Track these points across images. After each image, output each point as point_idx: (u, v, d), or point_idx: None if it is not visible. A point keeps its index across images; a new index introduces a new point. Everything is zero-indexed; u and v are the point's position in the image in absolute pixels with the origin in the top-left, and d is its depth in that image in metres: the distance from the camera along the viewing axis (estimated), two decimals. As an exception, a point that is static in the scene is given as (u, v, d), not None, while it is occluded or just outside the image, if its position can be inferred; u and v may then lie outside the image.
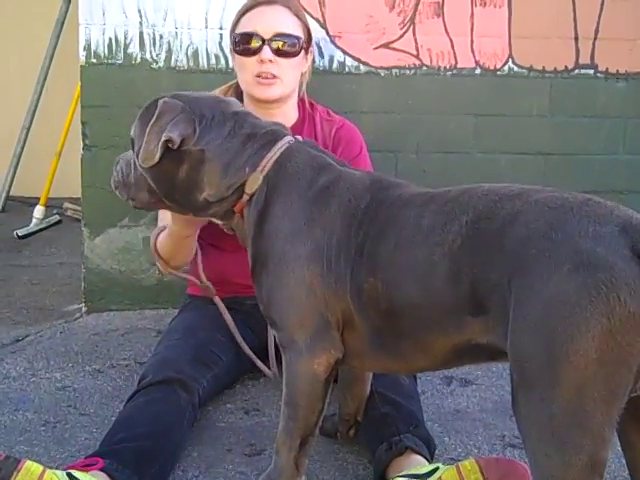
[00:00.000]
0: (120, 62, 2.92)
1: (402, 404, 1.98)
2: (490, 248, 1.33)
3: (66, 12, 4.43)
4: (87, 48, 2.91)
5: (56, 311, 3.06)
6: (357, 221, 1.57)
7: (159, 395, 1.99)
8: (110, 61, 2.92)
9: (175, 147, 1.67)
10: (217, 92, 2.36)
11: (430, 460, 1.86)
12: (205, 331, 2.24)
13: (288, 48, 2.23)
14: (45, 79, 4.51)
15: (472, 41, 3.04)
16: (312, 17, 2.95)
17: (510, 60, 3.05)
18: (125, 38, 2.91)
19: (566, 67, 3.08)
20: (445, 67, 3.04)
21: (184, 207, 1.80)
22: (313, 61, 2.43)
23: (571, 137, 3.12)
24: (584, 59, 3.08)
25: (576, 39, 3.06)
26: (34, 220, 4.38)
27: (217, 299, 2.20)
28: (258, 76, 2.23)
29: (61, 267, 3.67)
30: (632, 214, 1.26)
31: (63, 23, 4.45)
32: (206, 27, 2.94)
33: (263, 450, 2.00)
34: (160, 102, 1.72)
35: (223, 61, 2.94)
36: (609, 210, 1.26)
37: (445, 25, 3.03)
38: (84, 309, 3.01)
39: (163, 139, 1.66)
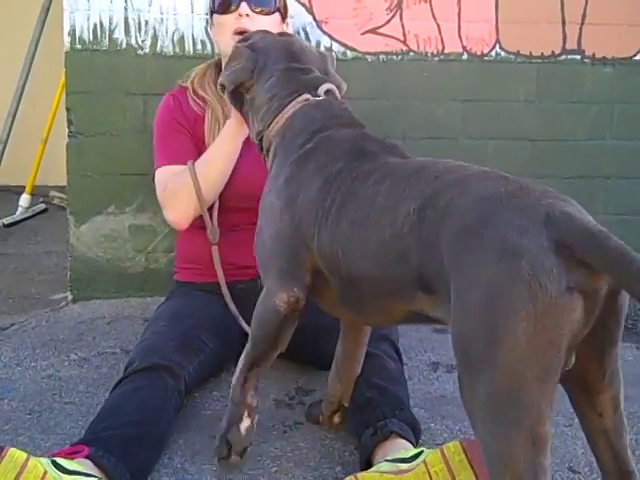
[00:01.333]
0: (105, 48, 2.90)
1: (387, 388, 1.99)
2: (432, 237, 1.41)
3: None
4: (72, 34, 2.88)
5: (42, 300, 3.05)
6: (328, 186, 1.67)
7: (145, 382, 1.98)
8: (95, 47, 2.89)
9: (230, 90, 1.94)
10: (195, 73, 2.43)
11: (416, 444, 1.87)
12: (192, 318, 2.24)
13: (265, 4, 2.30)
14: (31, 65, 4.47)
15: (459, 26, 3.02)
16: (299, 2, 2.94)
17: (497, 45, 3.04)
18: (110, 24, 2.89)
19: (553, 52, 3.07)
20: (432, 53, 3.03)
21: None
22: None
23: (558, 122, 3.11)
24: (571, 44, 3.07)
25: (563, 24, 3.05)
26: (20, 209, 4.36)
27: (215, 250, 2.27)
28: (236, 33, 2.26)
29: (47, 255, 3.65)
30: (556, 204, 1.30)
31: (49, 9, 4.41)
32: (192, 12, 2.92)
33: (249, 437, 2.00)
34: (233, 47, 1.99)
35: (209, 47, 2.92)
36: (536, 200, 1.31)
37: (432, 10, 3.01)
38: (70, 297, 3.00)
39: (220, 82, 1.97)
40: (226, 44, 2.27)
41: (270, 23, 2.30)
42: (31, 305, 2.99)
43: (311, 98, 1.86)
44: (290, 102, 1.86)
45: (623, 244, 1.21)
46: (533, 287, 1.22)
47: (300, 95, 1.87)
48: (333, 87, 1.93)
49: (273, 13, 2.33)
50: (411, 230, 1.45)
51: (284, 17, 2.40)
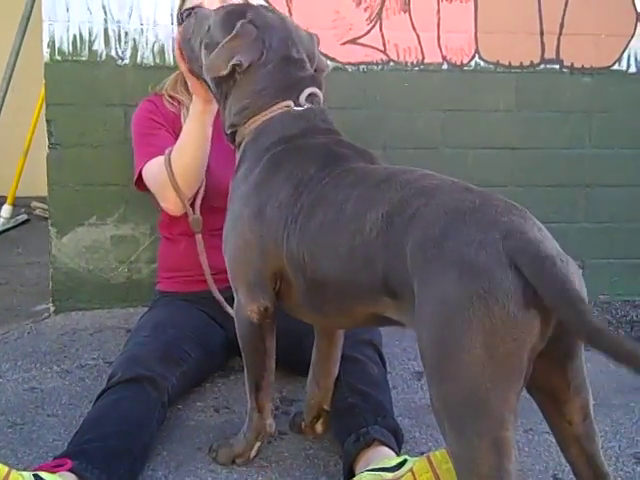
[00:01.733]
0: (85, 59, 2.89)
1: (370, 394, 2.00)
2: (397, 244, 1.44)
3: (31, 9, 4.37)
4: (51, 45, 2.88)
5: (24, 311, 3.03)
6: (298, 192, 1.68)
7: (128, 393, 1.97)
8: (75, 58, 2.89)
9: (242, 70, 1.82)
10: (167, 80, 2.48)
11: (398, 451, 1.88)
12: (174, 328, 2.24)
13: None
14: (11, 77, 4.44)
15: (439, 36, 3.04)
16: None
17: (477, 55, 3.06)
18: (90, 35, 2.89)
19: (532, 62, 3.10)
20: (412, 62, 3.05)
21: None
22: None
23: (537, 131, 3.13)
24: (549, 54, 3.10)
25: (541, 34, 3.08)
26: (1, 219, 4.34)
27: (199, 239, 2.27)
28: (182, 13, 2.24)
29: (29, 267, 3.63)
30: (517, 221, 1.34)
31: (29, 19, 4.39)
32: (172, 23, 2.92)
33: (233, 448, 2.00)
34: (238, 25, 1.84)
35: (190, 58, 2.92)
36: (498, 216, 1.35)
37: (412, 20, 3.03)
38: (52, 309, 2.98)
39: (233, 62, 1.81)
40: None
41: None
42: (13, 317, 2.97)
43: (293, 107, 1.85)
44: (273, 105, 1.84)
45: (565, 275, 1.25)
46: (490, 304, 1.26)
47: (284, 100, 1.85)
48: (316, 91, 1.91)
49: None
50: (378, 236, 1.49)
51: None
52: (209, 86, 1.96)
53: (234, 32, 1.83)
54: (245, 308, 1.80)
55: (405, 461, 1.76)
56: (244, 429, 1.93)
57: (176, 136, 2.30)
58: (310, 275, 1.64)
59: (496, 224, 1.33)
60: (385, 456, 1.81)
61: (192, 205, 2.28)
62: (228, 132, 1.92)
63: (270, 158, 1.78)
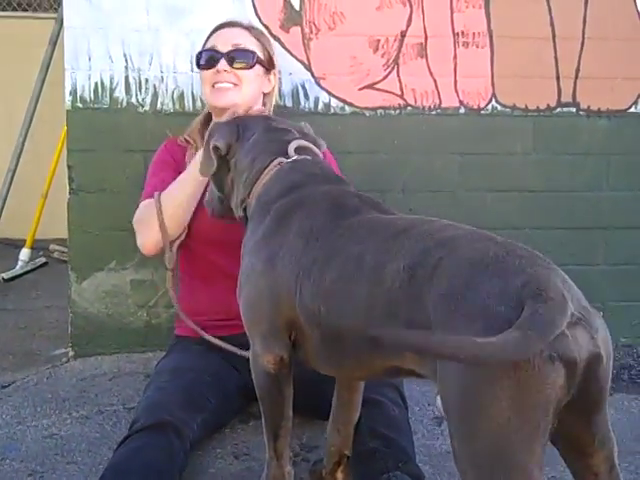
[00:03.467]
0: (106, 106, 2.93)
1: (392, 438, 1.98)
2: (422, 295, 1.43)
3: (51, 56, 4.45)
4: (73, 93, 2.92)
5: (43, 356, 3.03)
6: (310, 244, 1.69)
7: (151, 441, 1.97)
8: (96, 105, 2.93)
9: (223, 154, 2.00)
10: (194, 124, 2.52)
11: None
12: (193, 372, 2.24)
13: (243, 60, 2.38)
14: (31, 122, 4.51)
15: (455, 81, 3.07)
16: (297, 59, 2.99)
17: (493, 99, 3.08)
18: (111, 83, 2.93)
19: (548, 105, 3.11)
20: (429, 107, 3.07)
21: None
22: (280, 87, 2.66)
23: (555, 174, 3.13)
24: (566, 98, 3.11)
25: (557, 78, 3.10)
26: (20, 262, 4.37)
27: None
28: (214, 85, 2.37)
29: (48, 310, 3.64)
30: (541, 271, 1.33)
31: (48, 67, 4.47)
32: (192, 70, 2.95)
33: (254, 495, 1.99)
34: (211, 124, 2.08)
35: (209, 104, 2.95)
36: (522, 267, 1.34)
37: (429, 66, 3.06)
38: (71, 353, 2.99)
39: (211, 147, 1.99)
40: (207, 96, 2.42)
41: (251, 76, 2.39)
42: (32, 361, 2.98)
43: (285, 161, 1.93)
44: (267, 167, 1.93)
45: (556, 311, 1.24)
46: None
47: (275, 159, 1.94)
48: (305, 143, 1.99)
49: (252, 67, 2.38)
50: (400, 288, 1.47)
51: (268, 69, 2.46)
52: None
53: (208, 132, 2.04)
54: (261, 358, 1.81)
55: None
56: (263, 478, 1.91)
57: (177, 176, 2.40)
58: (326, 328, 1.63)
59: (518, 274, 1.31)
60: None
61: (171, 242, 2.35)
62: (241, 213, 2.00)
63: (277, 210, 1.82)
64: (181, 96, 2.96)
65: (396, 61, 3.05)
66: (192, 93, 2.96)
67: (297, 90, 3.00)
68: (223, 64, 2.35)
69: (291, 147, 1.96)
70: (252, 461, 2.19)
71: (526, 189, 3.13)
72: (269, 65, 2.46)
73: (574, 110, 3.12)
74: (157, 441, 1.96)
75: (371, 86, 3.05)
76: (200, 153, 2.16)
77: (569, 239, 3.11)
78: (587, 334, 1.29)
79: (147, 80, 2.95)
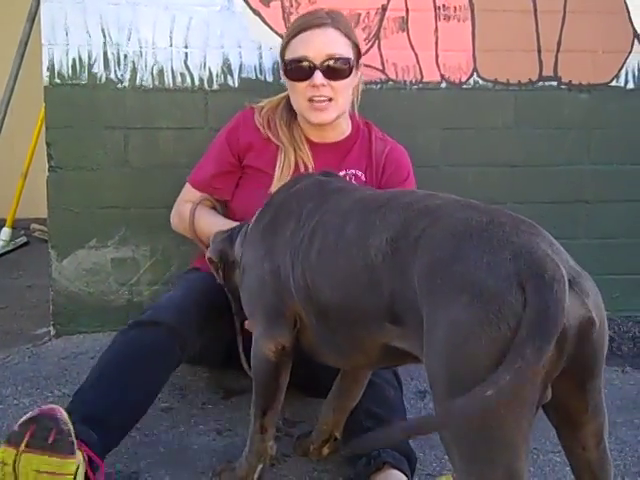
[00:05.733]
0: (84, 82, 2.89)
1: (384, 417, 1.99)
2: (405, 268, 1.41)
3: (29, 32, 4.39)
4: (51, 69, 2.88)
5: (24, 335, 3.01)
6: (299, 225, 1.73)
7: (148, 331, 2.05)
8: (74, 81, 2.89)
9: (215, 261, 2.05)
10: (267, 102, 2.45)
11: (410, 475, 1.87)
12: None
13: (339, 71, 2.27)
14: (9, 100, 4.45)
15: (437, 55, 3.05)
16: (277, 34, 2.95)
17: (475, 73, 3.07)
18: (89, 58, 2.89)
19: (530, 79, 3.10)
20: (411, 81, 3.05)
21: None
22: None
23: (536, 148, 3.13)
24: (547, 71, 3.10)
25: (539, 52, 3.09)
26: (0, 242, 4.33)
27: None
28: (311, 100, 2.28)
29: (29, 290, 3.61)
30: (526, 239, 1.30)
31: (26, 43, 4.41)
32: (171, 46, 2.92)
33: (237, 471, 1.99)
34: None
35: (189, 79, 2.93)
36: (506, 236, 1.31)
37: (410, 39, 3.04)
38: (53, 332, 2.97)
39: (208, 260, 2.08)
40: (302, 108, 2.32)
41: (347, 84, 2.31)
42: (13, 340, 2.96)
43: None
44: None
45: (559, 298, 1.20)
46: (502, 329, 1.22)
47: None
48: None
49: (349, 75, 2.30)
50: (384, 260, 1.46)
51: (357, 65, 2.37)
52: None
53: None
54: (263, 346, 1.81)
55: None
56: (246, 452, 1.91)
57: (240, 161, 2.42)
58: (316, 306, 1.64)
59: (505, 243, 1.29)
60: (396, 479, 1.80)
61: None
62: None
63: (270, 210, 1.88)
64: (161, 72, 2.93)
65: (377, 35, 3.03)
66: (172, 69, 2.92)
67: (277, 65, 2.95)
68: (319, 77, 2.25)
69: None
70: (235, 437, 2.20)
71: (508, 163, 3.12)
72: (358, 60, 2.38)
73: (555, 84, 3.11)
74: (154, 332, 2.03)
75: (352, 60, 3.03)
76: None
77: (550, 213, 3.11)
78: (578, 298, 1.26)
79: (126, 56, 2.91)
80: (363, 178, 2.41)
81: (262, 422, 1.87)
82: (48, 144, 2.93)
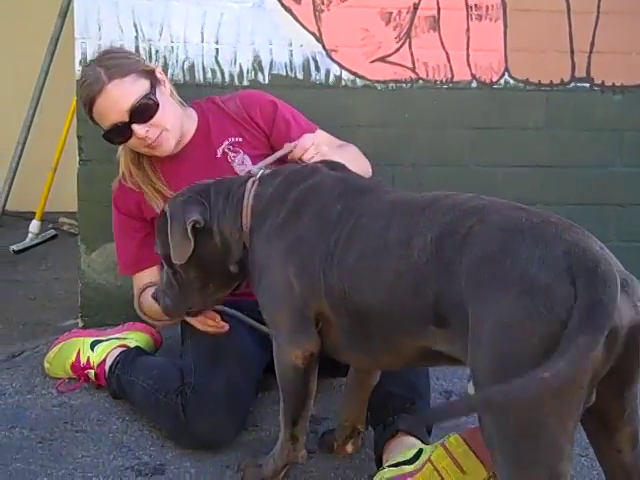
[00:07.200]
0: (116, 77, 2.90)
1: (407, 379, 2.02)
2: (451, 266, 1.39)
3: (61, 28, 4.42)
4: (83, 62, 2.88)
5: (52, 326, 3.03)
6: (330, 228, 1.66)
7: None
8: (106, 76, 2.90)
9: (202, 225, 1.84)
10: (121, 166, 2.42)
11: (428, 437, 1.92)
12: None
13: (149, 109, 2.23)
14: (40, 95, 4.49)
15: (468, 54, 3.03)
16: (308, 31, 2.95)
17: (506, 73, 3.05)
18: (121, 53, 2.90)
19: (562, 80, 3.08)
20: (441, 80, 3.04)
21: (225, 286, 1.98)
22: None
23: (568, 150, 3.11)
24: (580, 72, 3.08)
25: (572, 52, 3.06)
26: (30, 235, 4.35)
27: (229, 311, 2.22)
28: (148, 146, 2.27)
29: (57, 282, 3.64)
30: (579, 238, 1.30)
31: (58, 39, 4.44)
32: (202, 41, 2.93)
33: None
34: (165, 208, 1.89)
35: (219, 75, 2.94)
36: (558, 233, 1.30)
37: (441, 39, 3.03)
38: (80, 324, 2.99)
39: (189, 226, 1.81)
40: (148, 153, 2.33)
41: (164, 110, 2.25)
42: (42, 332, 2.98)
43: (256, 178, 1.89)
44: (243, 192, 1.87)
45: (612, 293, 1.19)
46: (552, 324, 1.20)
47: (245, 183, 1.89)
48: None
49: (158, 106, 2.24)
50: (428, 261, 1.44)
51: (156, 82, 2.29)
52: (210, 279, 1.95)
53: (169, 216, 1.85)
54: (290, 353, 1.76)
55: (421, 451, 1.77)
56: (274, 454, 1.88)
57: (145, 216, 2.37)
58: (352, 309, 1.59)
59: (557, 240, 1.28)
60: (405, 447, 1.82)
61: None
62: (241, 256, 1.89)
63: (287, 207, 1.77)
64: (192, 67, 2.94)
65: (408, 34, 3.02)
66: (202, 64, 2.94)
67: (308, 62, 2.97)
68: (140, 129, 2.21)
69: (256, 169, 1.95)
70: (260, 432, 2.20)
71: (538, 164, 3.11)
72: (154, 78, 2.30)
73: (588, 85, 3.09)
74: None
75: (383, 59, 3.02)
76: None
77: (581, 215, 3.04)
78: (629, 302, 1.25)
79: (157, 51, 2.93)
80: (241, 140, 2.39)
81: (292, 431, 1.83)
82: (79, 137, 2.95)
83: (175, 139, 2.31)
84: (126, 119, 2.20)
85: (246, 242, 1.85)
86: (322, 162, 1.92)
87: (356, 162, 2.19)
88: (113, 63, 2.24)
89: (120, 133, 2.24)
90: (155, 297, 2.05)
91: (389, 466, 1.78)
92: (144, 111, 2.21)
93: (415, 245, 1.47)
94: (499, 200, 1.50)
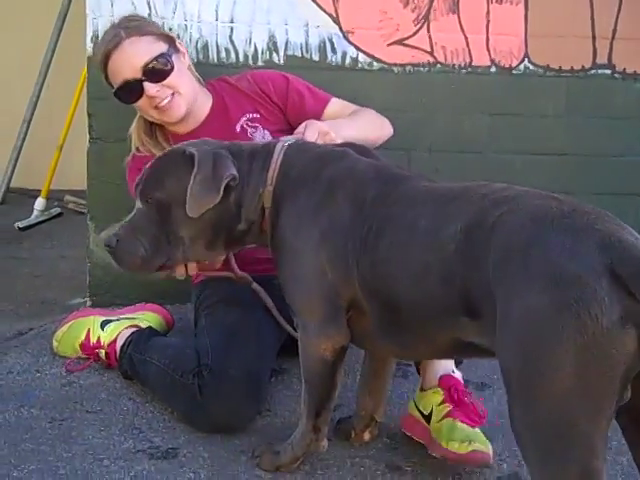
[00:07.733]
0: (129, 54, 2.85)
1: None
2: (480, 256, 1.37)
3: (69, 4, 4.38)
4: (94, 39, 2.84)
5: (59, 305, 3.00)
6: (363, 214, 1.63)
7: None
8: (119, 52, 2.85)
9: (236, 183, 1.76)
10: (133, 137, 2.44)
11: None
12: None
13: (162, 70, 2.26)
14: (47, 72, 4.45)
15: (487, 39, 2.98)
16: (325, 12, 2.91)
17: (526, 59, 3.00)
18: (135, 29, 2.85)
19: (583, 67, 3.03)
20: (460, 65, 2.99)
21: (228, 247, 1.90)
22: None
23: (587, 138, 3.06)
24: (601, 59, 3.03)
25: (593, 38, 3.01)
26: (35, 212, 4.32)
27: (255, 286, 2.14)
28: (156, 107, 2.28)
29: (63, 260, 3.60)
30: (614, 228, 1.26)
31: (66, 15, 4.40)
32: (216, 20, 2.88)
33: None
34: (193, 153, 1.77)
35: (233, 55, 2.89)
36: (591, 224, 1.27)
37: (460, 22, 2.98)
38: (89, 303, 2.95)
39: (225, 181, 1.73)
40: (156, 117, 2.35)
41: (178, 73, 2.29)
42: (48, 310, 2.94)
43: (288, 142, 1.85)
44: (271, 154, 1.81)
45: None
46: (582, 317, 1.18)
47: (269, 145, 1.85)
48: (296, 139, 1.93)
49: (173, 67, 2.27)
50: (456, 250, 1.42)
51: (176, 49, 2.34)
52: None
53: (197, 162, 1.74)
54: (318, 346, 1.72)
55: None
56: (293, 443, 1.85)
57: None
58: (385, 299, 1.57)
59: (590, 230, 1.25)
60: None
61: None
62: (255, 218, 1.81)
63: (316, 185, 1.73)
64: (205, 46, 2.89)
65: (427, 17, 2.97)
66: (216, 43, 2.89)
67: (324, 43, 2.93)
68: (150, 87, 2.25)
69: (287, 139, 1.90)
70: (275, 417, 2.17)
71: (557, 152, 3.06)
72: (174, 45, 2.34)
73: (609, 72, 3.04)
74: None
75: (400, 42, 2.97)
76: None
77: (599, 204, 2.96)
78: None
79: (171, 29, 2.86)
80: (258, 116, 2.40)
81: (315, 423, 1.80)
82: (89, 115, 2.91)
83: (186, 106, 2.31)
84: (138, 76, 2.24)
85: (266, 202, 1.78)
86: (348, 145, 1.88)
87: (369, 126, 2.26)
88: (133, 24, 2.33)
89: (131, 90, 2.28)
90: (109, 245, 1.88)
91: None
92: (158, 71, 2.26)
93: (444, 235, 1.45)
94: (532, 190, 1.48)
